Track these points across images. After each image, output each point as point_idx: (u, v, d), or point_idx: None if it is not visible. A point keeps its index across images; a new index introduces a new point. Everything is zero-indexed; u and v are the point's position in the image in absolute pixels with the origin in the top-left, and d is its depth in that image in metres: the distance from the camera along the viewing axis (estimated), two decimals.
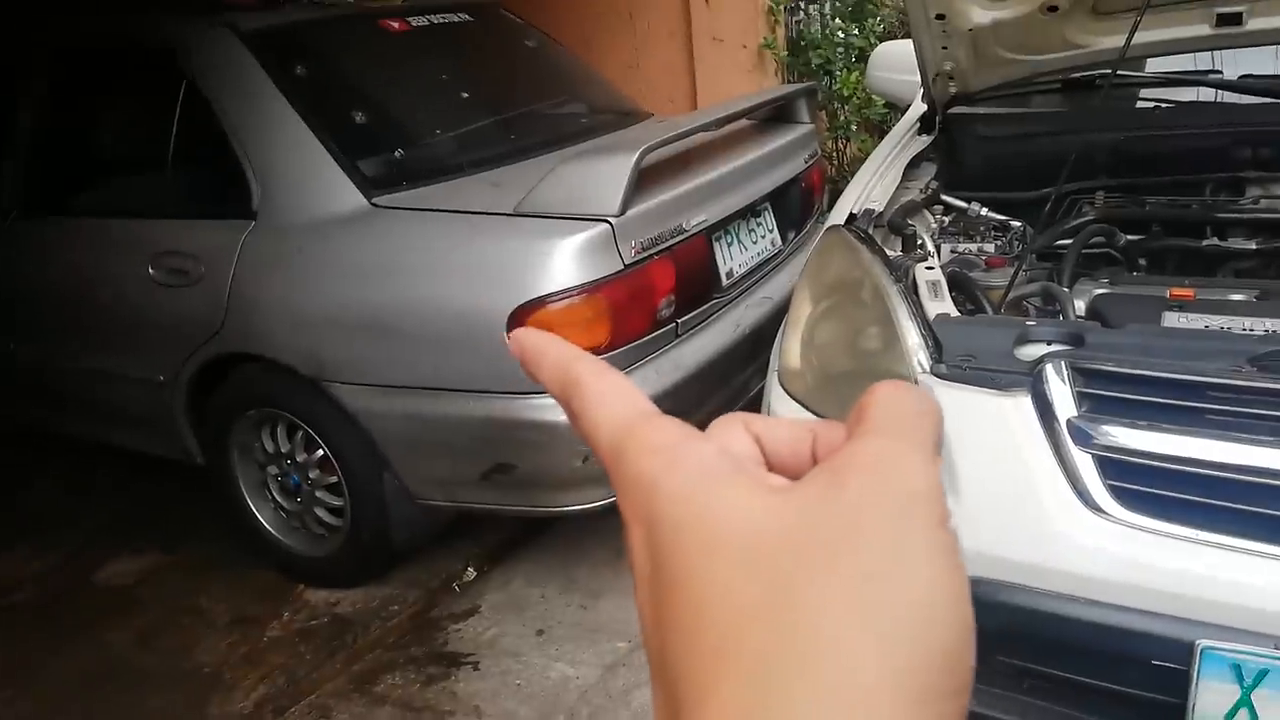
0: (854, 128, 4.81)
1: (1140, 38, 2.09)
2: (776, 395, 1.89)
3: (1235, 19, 2.04)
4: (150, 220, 2.84)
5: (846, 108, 4.73)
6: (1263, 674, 1.25)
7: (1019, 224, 2.17)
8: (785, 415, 1.84)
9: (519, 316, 2.26)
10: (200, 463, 2.84)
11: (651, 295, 2.44)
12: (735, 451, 0.30)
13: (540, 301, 2.26)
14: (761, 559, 0.26)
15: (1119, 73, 2.31)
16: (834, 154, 4.91)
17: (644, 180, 2.41)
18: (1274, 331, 1.60)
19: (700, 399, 2.71)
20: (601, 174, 2.36)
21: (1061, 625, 1.40)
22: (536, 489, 2.42)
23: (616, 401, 0.31)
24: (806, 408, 1.81)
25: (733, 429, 0.32)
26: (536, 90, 3.51)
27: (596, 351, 2.31)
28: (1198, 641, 1.27)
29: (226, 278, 2.57)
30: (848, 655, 0.24)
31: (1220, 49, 2.25)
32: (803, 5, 5.01)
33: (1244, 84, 2.26)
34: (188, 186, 2.90)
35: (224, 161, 2.64)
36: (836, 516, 0.26)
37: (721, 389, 2.80)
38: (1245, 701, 1.26)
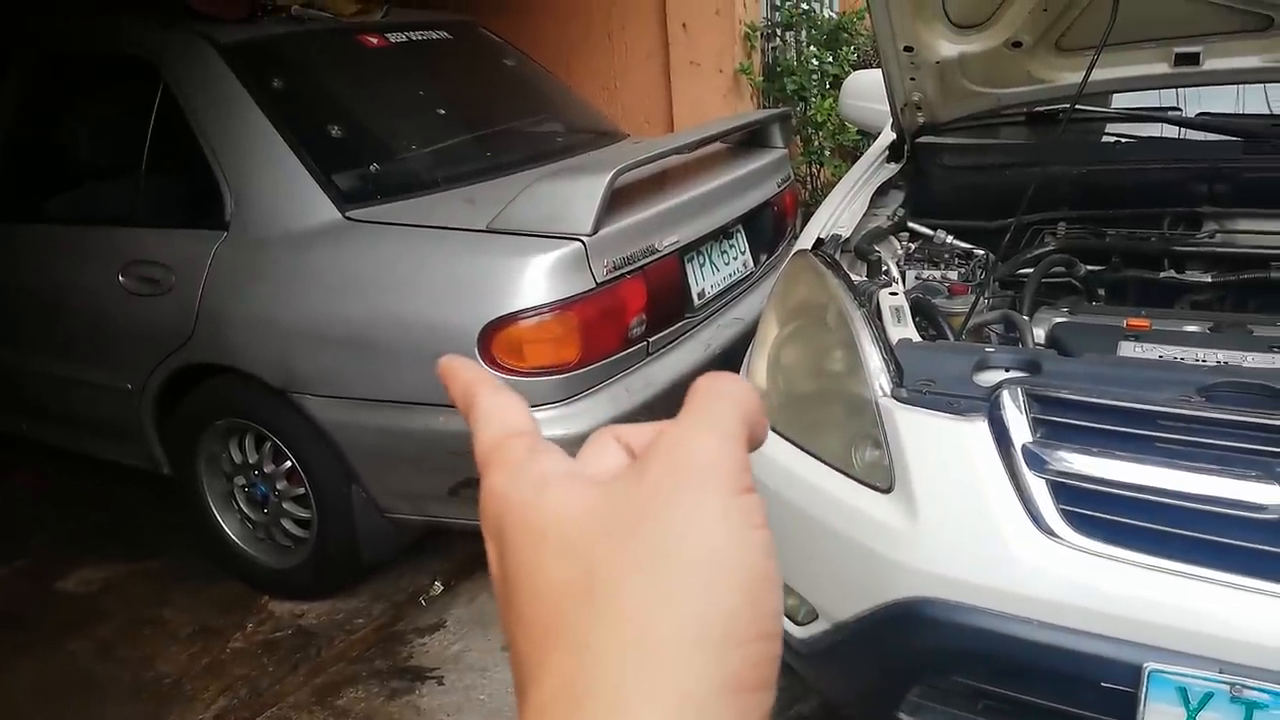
0: (827, 153, 4.88)
1: (1102, 74, 2.15)
2: None
3: (1193, 59, 2.11)
4: (122, 229, 2.83)
5: (820, 133, 4.80)
6: (1208, 697, 1.28)
7: (982, 252, 2.22)
8: None
9: (490, 333, 2.27)
10: (167, 473, 2.82)
11: (623, 314, 2.46)
12: (605, 461, 0.34)
13: (512, 318, 2.27)
14: (578, 545, 0.29)
15: (1082, 107, 2.38)
16: (808, 178, 4.97)
17: (618, 200, 2.43)
18: (1225, 363, 1.65)
19: (671, 417, 2.72)
20: (575, 193, 2.39)
21: (1015, 647, 1.43)
22: None
23: (495, 421, 0.34)
24: (772, 429, 1.84)
25: (602, 441, 0.35)
26: (513, 108, 3.54)
27: (566, 369, 2.33)
28: (1145, 664, 1.31)
29: (197, 288, 2.56)
30: (642, 614, 0.27)
31: (1178, 87, 2.32)
32: (779, 32, 5.08)
33: (1201, 121, 2.33)
34: (160, 196, 2.89)
35: (197, 172, 2.64)
36: (637, 498, 0.29)
37: None
38: None
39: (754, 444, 0.32)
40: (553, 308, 2.28)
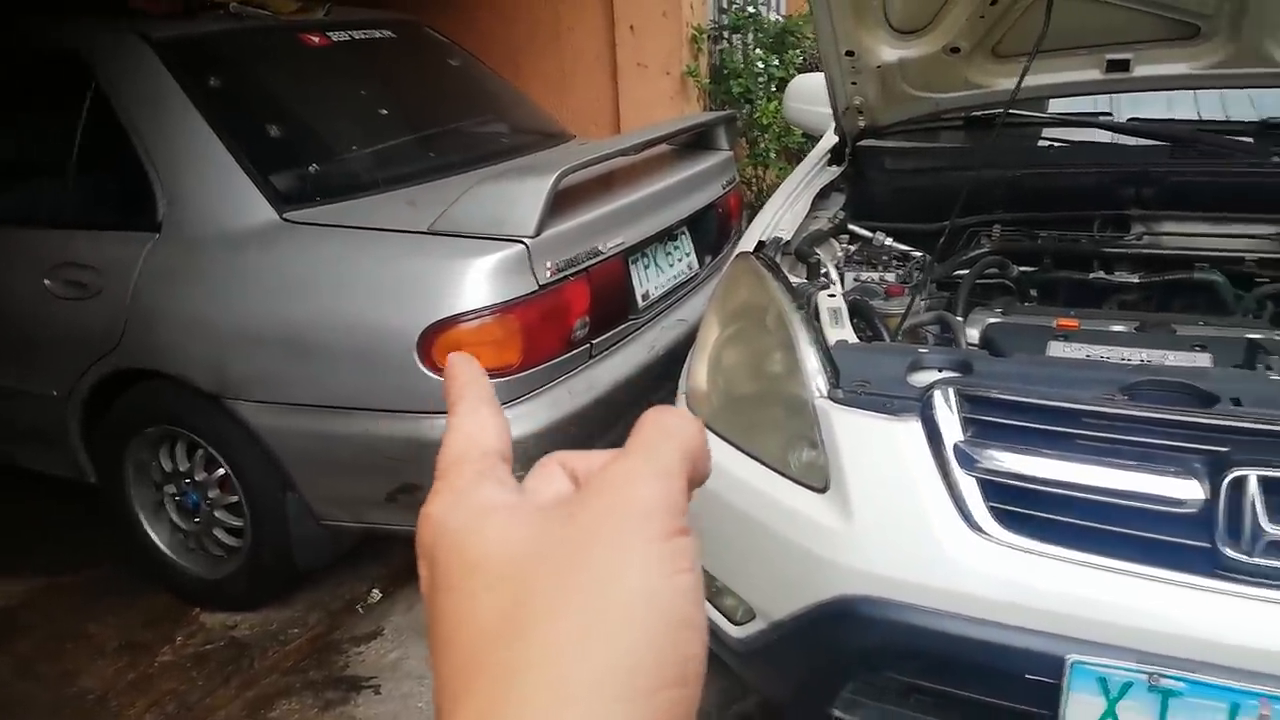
0: (773, 155, 4.92)
1: (1036, 80, 2.20)
2: None
3: (1124, 65, 2.16)
4: (49, 230, 2.74)
5: (766, 136, 4.84)
6: (1127, 686, 1.31)
7: (920, 254, 2.25)
8: None
9: (430, 336, 2.25)
10: (93, 482, 2.73)
11: (566, 316, 2.45)
12: (551, 488, 0.33)
13: (452, 321, 2.25)
14: (509, 578, 0.29)
15: (1017, 112, 2.42)
16: (753, 180, 5.01)
17: (562, 202, 2.42)
18: (1148, 362, 1.69)
19: (614, 419, 2.72)
20: (518, 194, 2.37)
21: (946, 643, 1.44)
22: None
23: (460, 438, 0.34)
24: (712, 430, 1.83)
25: (549, 469, 0.35)
26: (458, 109, 3.51)
27: (507, 372, 2.31)
28: (1068, 656, 1.33)
29: (126, 291, 2.50)
30: (564, 655, 0.27)
31: (1110, 93, 2.37)
32: (726, 35, 5.11)
33: (1130, 126, 2.39)
34: (90, 196, 2.81)
35: (129, 172, 2.57)
36: (571, 536, 0.29)
37: (635, 410, 2.80)
38: (1111, 713, 1.31)
39: (696, 482, 0.32)
40: (494, 310, 2.26)
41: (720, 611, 1.73)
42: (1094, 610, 1.35)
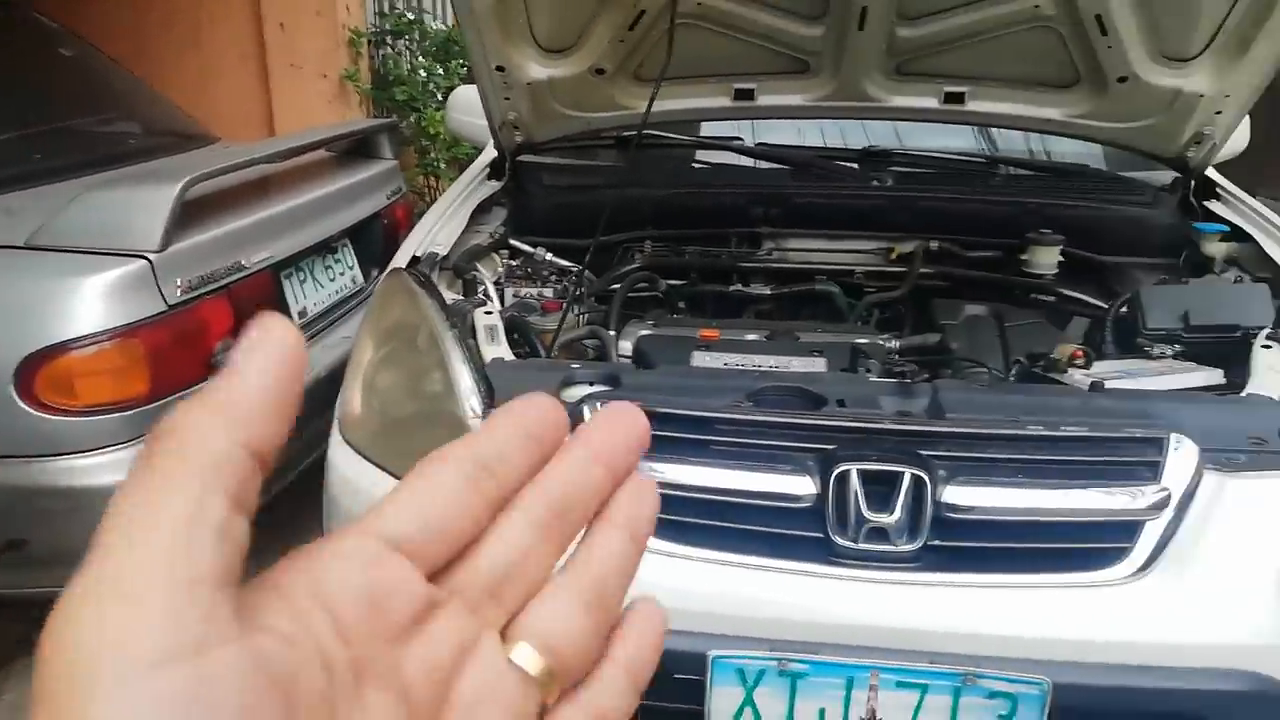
0: (443, 166, 4.85)
1: (673, 105, 2.34)
2: (335, 444, 1.81)
3: (749, 94, 2.35)
4: None
5: (435, 145, 4.76)
6: (761, 674, 1.41)
7: (580, 268, 2.30)
8: (344, 467, 1.77)
9: (32, 367, 1.94)
10: None
11: (203, 339, 2.23)
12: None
13: (60, 348, 1.96)
14: None
15: (658, 134, 2.57)
16: (425, 191, 4.91)
17: (198, 211, 2.21)
18: (775, 368, 1.85)
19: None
20: (139, 204, 2.12)
21: None
22: (58, 566, 2.09)
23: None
24: (367, 457, 1.75)
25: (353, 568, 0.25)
26: (71, 105, 3.08)
27: (137, 403, 2.06)
28: (709, 652, 1.41)
29: None
30: None
31: (739, 119, 2.58)
32: (389, 40, 4.96)
33: (757, 150, 2.61)
34: None
35: None
36: None
37: (296, 437, 2.63)
38: (749, 700, 1.41)
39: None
40: (112, 335, 2.00)
41: None
42: (732, 606, 1.44)
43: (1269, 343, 1.73)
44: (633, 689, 0.28)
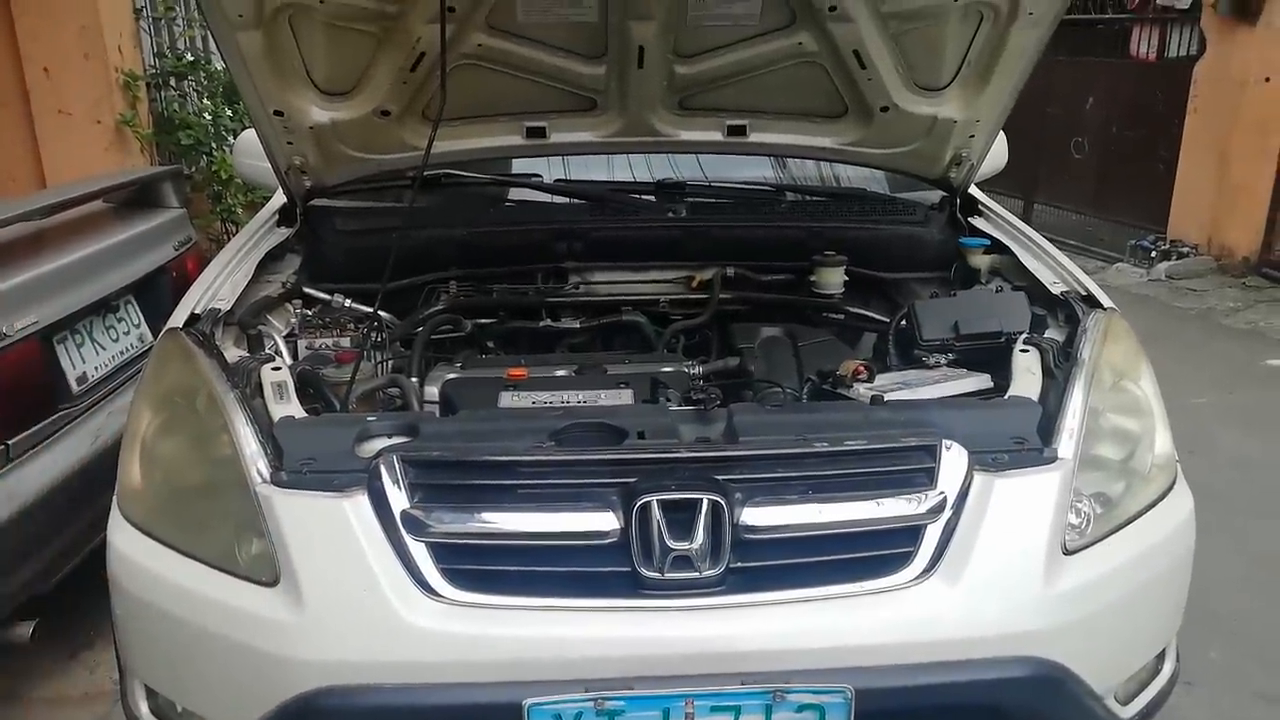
0: (240, 210, 4.62)
1: (465, 144, 2.33)
2: (114, 523, 1.67)
3: (541, 132, 2.35)
4: None
5: (229, 190, 4.53)
6: (578, 717, 1.40)
7: (382, 314, 2.23)
8: (124, 546, 1.63)
9: None
10: None
11: None
12: None
13: None
14: None
15: (456, 173, 2.55)
16: (222, 238, 4.65)
17: None
18: (584, 402, 1.85)
19: (53, 530, 2.32)
20: None
21: (415, 715, 1.42)
22: None
23: None
24: (149, 533, 1.62)
25: None
26: None
27: None
28: (525, 701, 1.39)
29: None
30: None
31: (534, 156, 2.58)
32: (171, 82, 4.69)
33: (554, 186, 2.62)
34: None
35: None
36: None
37: (84, 513, 2.42)
38: None
39: None
40: None
41: None
42: (544, 650, 1.42)
43: (1026, 347, 1.88)
44: None
